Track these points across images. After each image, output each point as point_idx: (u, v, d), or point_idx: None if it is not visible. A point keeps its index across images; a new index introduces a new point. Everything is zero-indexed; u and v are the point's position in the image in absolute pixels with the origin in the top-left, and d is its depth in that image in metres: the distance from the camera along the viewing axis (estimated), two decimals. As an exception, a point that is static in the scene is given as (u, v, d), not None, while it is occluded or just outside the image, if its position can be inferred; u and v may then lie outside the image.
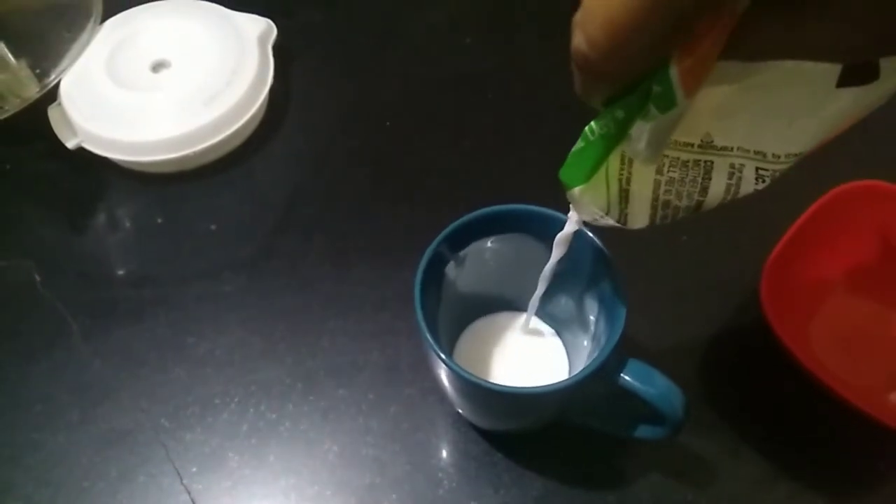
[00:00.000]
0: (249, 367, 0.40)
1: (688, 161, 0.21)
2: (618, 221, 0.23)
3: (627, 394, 0.29)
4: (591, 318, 0.32)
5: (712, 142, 0.21)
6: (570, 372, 0.35)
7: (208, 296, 0.43)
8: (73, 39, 0.48)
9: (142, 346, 0.41)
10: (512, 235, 0.32)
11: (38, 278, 0.43)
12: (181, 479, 0.37)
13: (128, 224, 0.46)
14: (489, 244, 0.33)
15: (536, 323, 0.37)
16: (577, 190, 0.22)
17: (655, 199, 0.22)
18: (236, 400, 0.39)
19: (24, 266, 0.44)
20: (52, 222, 0.46)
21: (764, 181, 0.21)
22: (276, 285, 0.43)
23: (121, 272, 0.44)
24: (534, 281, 0.31)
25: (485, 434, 0.38)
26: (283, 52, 0.51)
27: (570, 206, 0.27)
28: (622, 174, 0.22)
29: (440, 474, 0.37)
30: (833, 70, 0.18)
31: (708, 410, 0.38)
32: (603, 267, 0.30)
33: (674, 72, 0.17)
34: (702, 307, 0.42)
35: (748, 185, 0.22)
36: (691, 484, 0.36)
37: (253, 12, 0.51)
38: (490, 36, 0.55)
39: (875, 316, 0.40)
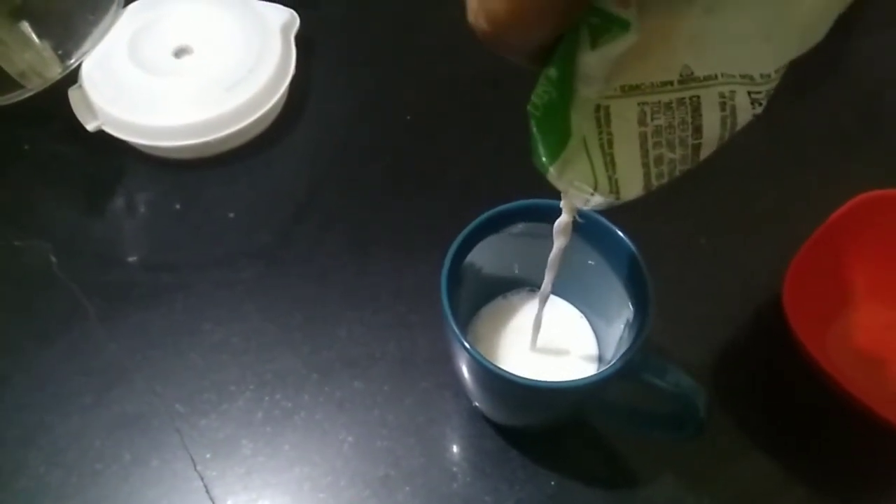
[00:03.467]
0: (265, 355, 0.40)
1: (671, 102, 0.19)
2: (610, 192, 0.21)
3: (649, 392, 0.29)
4: (621, 312, 0.32)
5: (692, 73, 0.18)
6: (598, 358, 0.35)
7: (225, 282, 0.42)
8: (96, 22, 0.48)
9: (157, 330, 0.41)
10: (539, 225, 0.32)
11: (54, 260, 0.43)
12: (195, 465, 0.36)
13: (146, 209, 0.46)
14: (514, 231, 0.33)
15: (563, 305, 0.37)
16: (553, 170, 0.20)
17: (645, 155, 0.20)
18: (251, 387, 0.39)
19: (41, 247, 0.44)
20: (69, 205, 0.46)
21: (760, 104, 0.19)
22: (293, 274, 0.43)
23: (138, 256, 0.44)
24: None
25: (500, 430, 0.37)
26: (304, 43, 0.51)
27: (561, 193, 0.25)
28: (602, 137, 0.20)
29: (454, 469, 0.37)
30: None
31: (724, 413, 0.38)
32: (632, 264, 0.30)
33: (605, 6, 0.16)
34: (720, 311, 0.42)
35: (745, 113, 0.19)
36: (705, 486, 0.36)
37: (276, 2, 0.51)
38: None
39: (894, 324, 0.40)
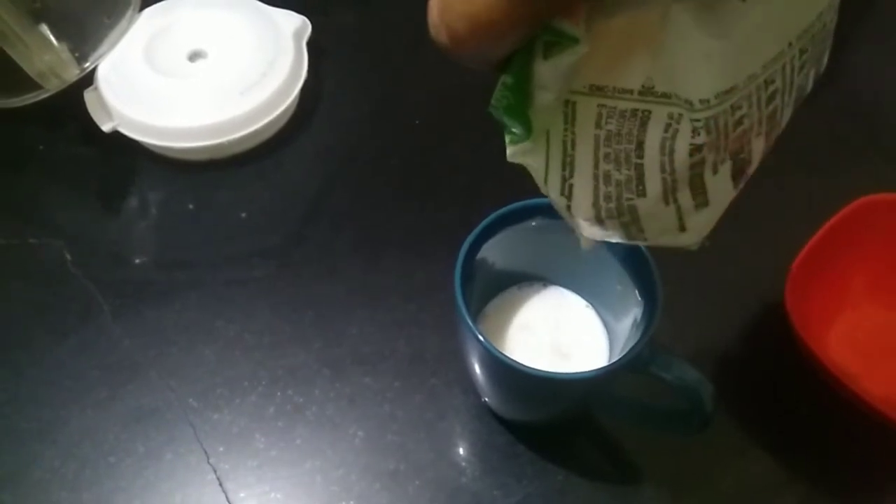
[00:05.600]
0: (277, 351, 0.41)
1: (625, 111, 0.19)
2: (560, 194, 0.21)
3: (656, 387, 0.30)
4: (630, 308, 0.33)
5: (653, 87, 0.18)
6: (608, 351, 0.36)
7: (238, 281, 0.43)
8: (112, 26, 0.49)
9: (171, 327, 0.41)
10: (551, 222, 0.33)
11: (69, 257, 0.44)
12: (208, 459, 0.37)
13: (159, 209, 0.47)
14: (526, 228, 0.34)
15: (574, 299, 0.38)
16: (509, 152, 0.21)
17: (596, 165, 0.20)
18: (264, 383, 0.39)
19: (55, 245, 0.45)
20: (84, 204, 0.47)
21: (698, 133, 0.19)
22: (304, 273, 0.44)
23: (152, 255, 0.45)
24: (564, 258, 0.31)
25: (508, 426, 0.38)
26: (316, 49, 0.52)
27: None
28: (566, 135, 0.20)
29: (463, 463, 0.37)
30: None
31: (727, 412, 0.39)
32: (640, 260, 0.31)
33: (556, 24, 0.16)
34: (723, 312, 0.43)
35: (684, 141, 0.19)
36: (708, 482, 0.37)
37: (288, 9, 0.52)
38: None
39: (893, 325, 0.41)
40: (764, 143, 0.21)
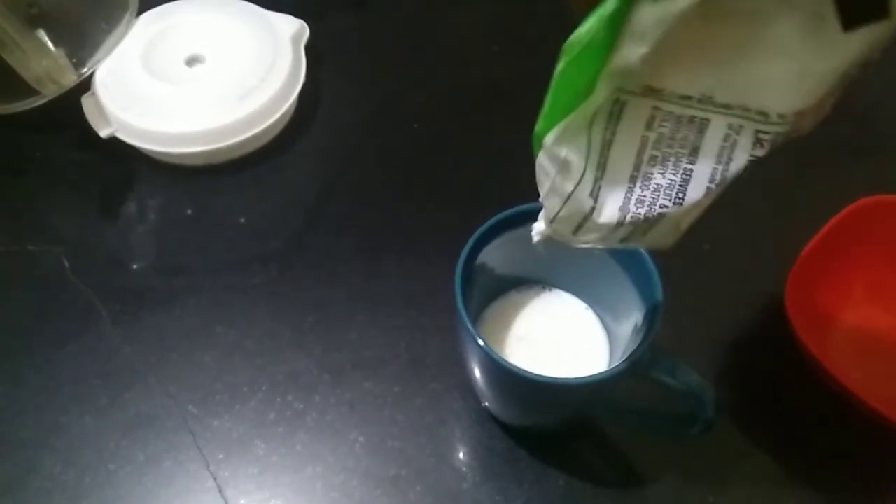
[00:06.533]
0: (277, 357, 0.40)
1: (682, 116, 0.19)
2: (589, 195, 0.21)
3: (657, 391, 0.30)
4: (631, 312, 0.33)
5: (713, 97, 0.18)
6: (609, 353, 0.36)
7: (238, 286, 0.43)
8: (109, 31, 0.48)
9: (171, 333, 0.41)
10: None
11: (67, 264, 0.44)
12: (208, 466, 0.37)
13: (158, 214, 0.47)
14: (525, 233, 0.33)
15: (575, 303, 0.37)
16: (550, 137, 0.20)
17: (636, 168, 0.20)
18: (264, 389, 0.39)
19: (54, 252, 0.44)
20: (82, 211, 0.47)
21: (762, 146, 0.19)
22: (304, 278, 0.44)
23: (150, 261, 0.45)
24: (564, 261, 0.31)
25: (509, 431, 0.38)
26: (314, 53, 0.52)
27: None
28: (606, 132, 0.19)
29: (464, 469, 0.37)
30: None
31: (728, 416, 0.38)
32: (640, 263, 0.31)
33: None
34: (723, 315, 0.42)
35: (743, 152, 0.19)
36: (709, 486, 0.37)
37: (286, 13, 0.52)
38: (516, 44, 0.56)
39: (894, 327, 0.41)
40: None
